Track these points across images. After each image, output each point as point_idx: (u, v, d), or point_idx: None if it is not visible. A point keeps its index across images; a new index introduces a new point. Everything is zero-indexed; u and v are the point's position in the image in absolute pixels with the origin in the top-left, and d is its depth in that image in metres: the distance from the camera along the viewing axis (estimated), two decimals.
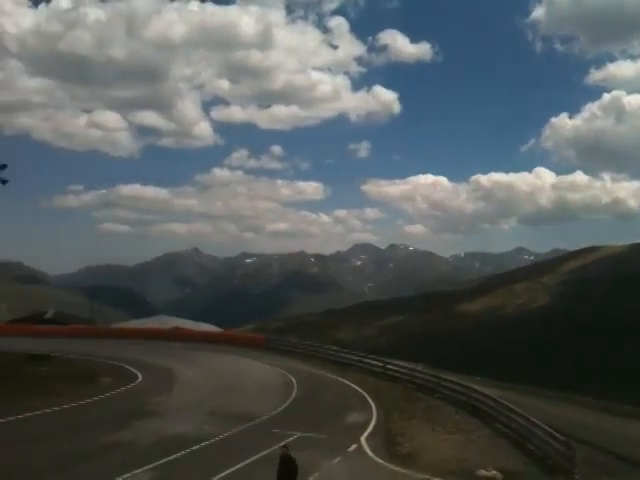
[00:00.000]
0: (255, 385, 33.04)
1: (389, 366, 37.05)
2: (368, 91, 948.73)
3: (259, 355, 44.15)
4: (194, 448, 19.66)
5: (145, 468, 17.07)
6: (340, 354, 42.76)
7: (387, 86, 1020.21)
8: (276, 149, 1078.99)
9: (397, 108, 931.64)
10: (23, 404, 24.98)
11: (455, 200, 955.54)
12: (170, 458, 18.28)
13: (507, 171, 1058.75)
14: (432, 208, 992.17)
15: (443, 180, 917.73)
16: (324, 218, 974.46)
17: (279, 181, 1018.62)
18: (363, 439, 22.28)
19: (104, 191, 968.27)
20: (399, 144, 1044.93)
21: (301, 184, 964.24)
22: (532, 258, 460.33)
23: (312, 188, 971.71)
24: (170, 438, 20.90)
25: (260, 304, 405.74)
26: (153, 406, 26.58)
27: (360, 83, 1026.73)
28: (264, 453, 19.01)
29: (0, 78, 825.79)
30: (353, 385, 33.69)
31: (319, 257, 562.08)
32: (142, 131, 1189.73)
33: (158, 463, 17.64)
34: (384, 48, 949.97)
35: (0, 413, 23.27)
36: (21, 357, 37.01)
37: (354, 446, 21.23)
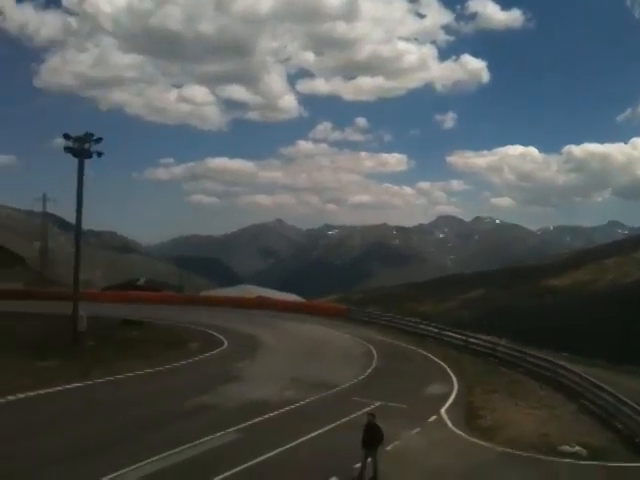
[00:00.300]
0: (336, 354, 33.44)
1: (471, 339, 36.62)
2: (456, 60, 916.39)
3: (340, 325, 44.50)
4: (276, 413, 20.26)
5: (228, 430, 17.71)
6: (420, 326, 42.58)
7: (475, 55, 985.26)
8: (360, 121, 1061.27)
9: (486, 77, 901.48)
10: (115, 366, 26.38)
11: (545, 172, 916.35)
12: (252, 422, 18.87)
13: (602, 141, 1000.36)
14: (520, 180, 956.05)
15: (533, 151, 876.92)
16: (407, 190, 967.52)
17: (362, 153, 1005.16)
18: (443, 411, 22.27)
19: (192, 164, 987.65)
20: (487, 114, 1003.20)
21: (384, 156, 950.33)
22: (626, 232, 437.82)
23: (395, 160, 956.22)
24: (253, 403, 21.55)
25: (342, 275, 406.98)
26: (237, 371, 27.45)
27: (447, 52, 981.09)
28: (345, 420, 19.40)
29: (96, 55, 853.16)
30: (433, 357, 33.54)
31: (401, 229, 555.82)
32: (229, 105, 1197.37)
33: (241, 426, 18.25)
34: (473, 16, 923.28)
35: (95, 374, 24.81)
36: (115, 322, 38.90)
37: (434, 417, 21.28)
